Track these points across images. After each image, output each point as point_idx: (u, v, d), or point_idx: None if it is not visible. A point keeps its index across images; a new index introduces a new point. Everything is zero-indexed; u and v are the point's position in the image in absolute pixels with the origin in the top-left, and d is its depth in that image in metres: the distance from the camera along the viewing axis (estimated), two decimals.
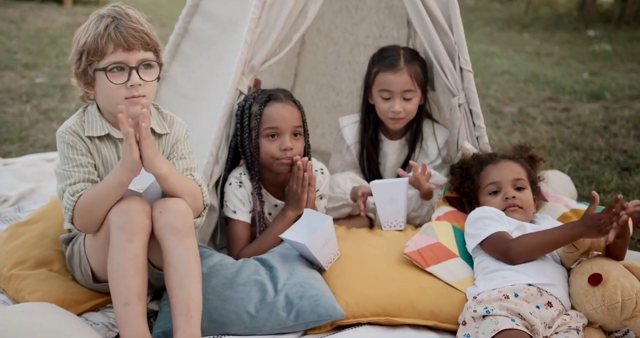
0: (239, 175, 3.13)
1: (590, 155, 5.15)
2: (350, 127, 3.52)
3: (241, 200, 3.09)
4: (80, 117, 2.67)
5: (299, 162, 2.99)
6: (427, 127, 3.47)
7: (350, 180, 3.43)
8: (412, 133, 3.44)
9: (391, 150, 3.49)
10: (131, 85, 2.52)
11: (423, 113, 3.46)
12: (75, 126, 2.63)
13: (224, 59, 3.35)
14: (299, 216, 3.00)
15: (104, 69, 2.51)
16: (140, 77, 2.54)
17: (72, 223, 2.56)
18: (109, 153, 2.66)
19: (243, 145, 3.10)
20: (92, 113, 2.66)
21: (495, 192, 3.02)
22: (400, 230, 3.14)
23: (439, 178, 3.32)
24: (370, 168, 3.49)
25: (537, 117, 6.32)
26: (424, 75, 3.38)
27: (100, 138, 2.65)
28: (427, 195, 3.28)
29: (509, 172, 3.04)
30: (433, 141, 3.44)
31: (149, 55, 2.58)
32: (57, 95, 6.08)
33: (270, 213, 3.17)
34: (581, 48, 10.80)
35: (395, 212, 3.14)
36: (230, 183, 3.12)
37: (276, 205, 3.17)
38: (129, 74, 2.52)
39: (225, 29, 3.46)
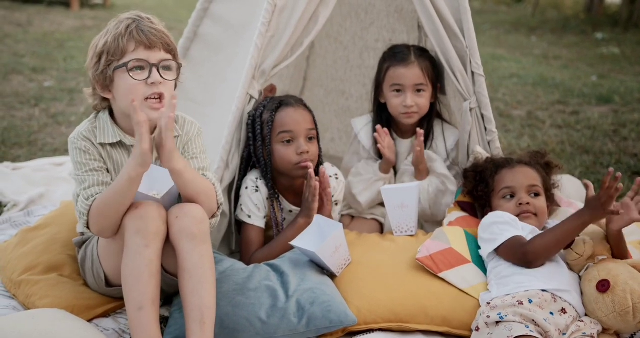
0: (255, 179, 3.11)
1: (600, 159, 5.13)
2: (365, 129, 3.53)
3: (257, 205, 3.07)
4: (92, 123, 2.65)
5: (311, 171, 2.97)
6: (437, 126, 3.47)
7: (371, 163, 3.46)
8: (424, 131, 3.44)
9: (403, 149, 3.48)
10: (152, 83, 2.51)
11: (434, 111, 3.46)
12: (87, 132, 2.62)
13: (234, 63, 3.34)
14: (309, 223, 2.98)
15: (125, 65, 2.49)
16: (161, 76, 2.53)
17: (88, 228, 2.53)
18: (122, 159, 2.64)
19: (257, 154, 3.08)
20: (104, 120, 2.64)
21: (510, 197, 3.00)
22: (412, 236, 3.12)
23: (436, 166, 3.33)
24: None
25: (546, 121, 6.29)
26: (434, 71, 3.38)
27: (112, 145, 2.63)
28: (421, 173, 3.32)
29: (525, 177, 3.03)
30: (442, 141, 3.44)
31: (169, 56, 2.57)
32: (66, 99, 6.08)
33: (284, 219, 3.15)
34: (589, 51, 10.77)
35: (406, 217, 3.12)
36: (246, 188, 3.10)
37: (291, 211, 3.16)
38: (150, 72, 2.51)
39: (236, 32, 3.45)
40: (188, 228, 2.46)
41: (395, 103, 3.37)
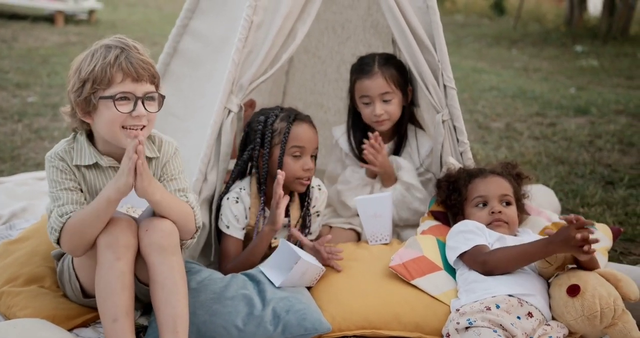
0: (239, 190, 3.17)
1: (575, 169, 5.24)
2: (344, 136, 3.65)
3: (236, 217, 3.13)
4: (70, 144, 2.68)
5: (280, 176, 3.01)
6: (410, 132, 3.58)
7: (357, 169, 3.55)
8: (398, 138, 3.56)
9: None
10: (136, 116, 2.54)
11: (407, 115, 3.56)
12: (63, 153, 2.65)
13: (213, 78, 3.41)
14: (274, 231, 3.02)
15: (112, 97, 2.51)
16: (145, 108, 2.57)
17: (59, 244, 2.57)
18: (96, 181, 2.67)
19: (259, 160, 3.15)
20: (81, 142, 2.67)
21: (482, 205, 3.09)
22: (386, 244, 3.20)
23: (404, 175, 3.41)
24: None
25: (523, 132, 6.40)
26: (401, 76, 3.48)
27: (87, 166, 2.66)
28: (386, 180, 3.41)
29: (497, 187, 3.12)
30: (415, 147, 3.55)
31: (153, 88, 2.60)
32: (49, 114, 6.13)
33: None
34: (569, 63, 10.93)
35: (380, 226, 3.20)
36: (227, 198, 3.16)
37: None
38: (135, 104, 2.54)
39: (215, 48, 3.52)
40: (157, 241, 2.53)
41: (367, 113, 3.49)
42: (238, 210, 3.14)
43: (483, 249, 2.82)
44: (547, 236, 2.66)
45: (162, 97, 2.65)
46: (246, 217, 3.15)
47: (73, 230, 2.52)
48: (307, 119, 3.20)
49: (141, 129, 2.58)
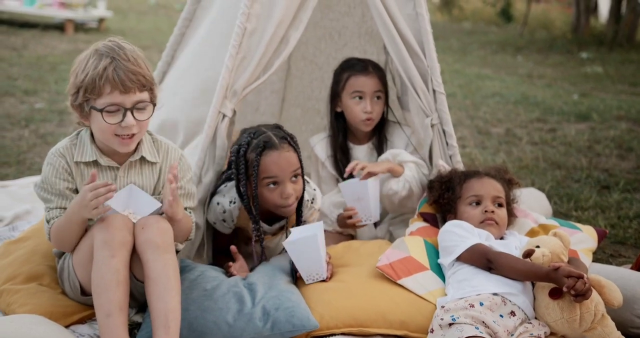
0: (229, 203, 3.17)
1: (572, 174, 5.29)
2: (320, 143, 3.77)
3: (222, 220, 3.21)
4: (72, 141, 2.80)
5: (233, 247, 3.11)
6: (387, 129, 3.75)
7: (334, 206, 3.61)
8: (377, 136, 3.72)
9: (361, 155, 3.72)
10: (125, 126, 2.65)
11: (385, 118, 3.74)
12: (64, 149, 2.77)
13: (209, 84, 3.50)
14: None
15: (100, 110, 2.62)
16: (134, 117, 2.66)
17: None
18: None
19: (240, 190, 3.10)
20: (84, 139, 2.79)
21: (476, 204, 3.16)
22: (376, 224, 3.46)
23: (404, 156, 3.50)
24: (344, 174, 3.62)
25: (523, 138, 6.46)
26: (385, 82, 3.69)
27: (86, 163, 2.78)
28: (394, 173, 3.46)
29: (492, 188, 3.20)
30: (396, 138, 3.70)
31: (144, 95, 2.69)
32: (55, 119, 6.24)
33: (263, 240, 3.21)
34: (573, 70, 10.98)
35: (363, 208, 3.38)
36: (218, 203, 3.20)
37: (265, 232, 3.24)
38: (124, 115, 2.64)
39: (211, 55, 3.62)
40: (152, 239, 2.63)
41: (356, 110, 3.61)
42: (224, 217, 3.20)
43: (482, 247, 2.90)
44: (554, 268, 2.68)
45: (154, 104, 2.75)
46: (233, 220, 3.21)
47: (55, 235, 2.73)
48: (278, 145, 3.04)
49: (131, 137, 2.70)
